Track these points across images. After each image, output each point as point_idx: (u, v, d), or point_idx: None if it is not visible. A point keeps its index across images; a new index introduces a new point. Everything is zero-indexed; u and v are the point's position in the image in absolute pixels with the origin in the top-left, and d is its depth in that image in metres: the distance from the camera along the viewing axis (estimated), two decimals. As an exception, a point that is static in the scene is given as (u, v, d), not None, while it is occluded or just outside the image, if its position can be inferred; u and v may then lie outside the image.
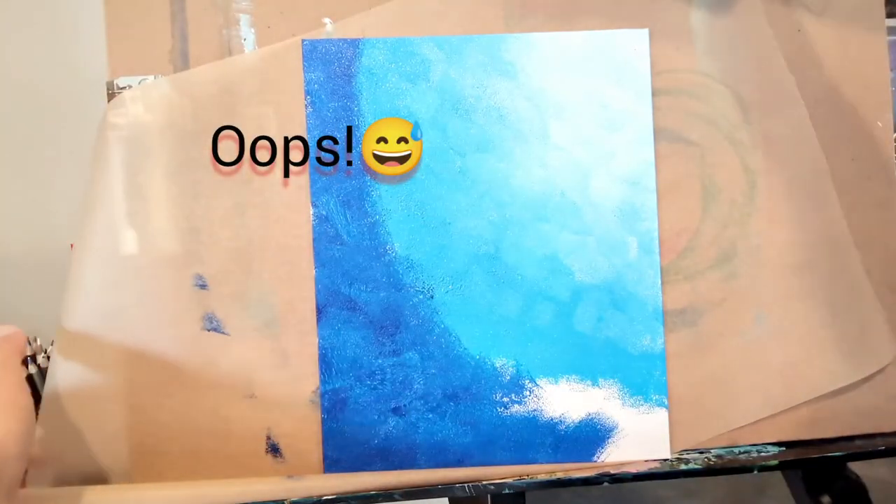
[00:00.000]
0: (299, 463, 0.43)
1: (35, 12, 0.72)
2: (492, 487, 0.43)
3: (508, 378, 0.44)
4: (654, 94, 0.44)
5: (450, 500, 0.58)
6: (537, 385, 0.44)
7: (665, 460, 0.44)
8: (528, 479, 0.43)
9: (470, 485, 0.43)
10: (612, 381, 0.44)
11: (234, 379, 0.43)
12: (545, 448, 0.44)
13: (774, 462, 0.44)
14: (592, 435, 0.44)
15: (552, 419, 0.44)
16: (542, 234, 0.44)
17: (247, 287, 0.43)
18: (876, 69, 0.45)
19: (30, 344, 0.42)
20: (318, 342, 0.43)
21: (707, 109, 0.45)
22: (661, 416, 0.44)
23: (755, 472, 0.44)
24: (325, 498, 0.42)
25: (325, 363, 0.43)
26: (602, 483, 0.44)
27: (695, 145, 0.45)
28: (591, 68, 0.44)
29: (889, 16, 0.46)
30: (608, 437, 0.44)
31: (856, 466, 0.48)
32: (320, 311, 0.43)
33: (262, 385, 0.43)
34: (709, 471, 0.44)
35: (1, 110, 0.72)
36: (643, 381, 0.44)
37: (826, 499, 0.47)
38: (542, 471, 0.44)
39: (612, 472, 0.44)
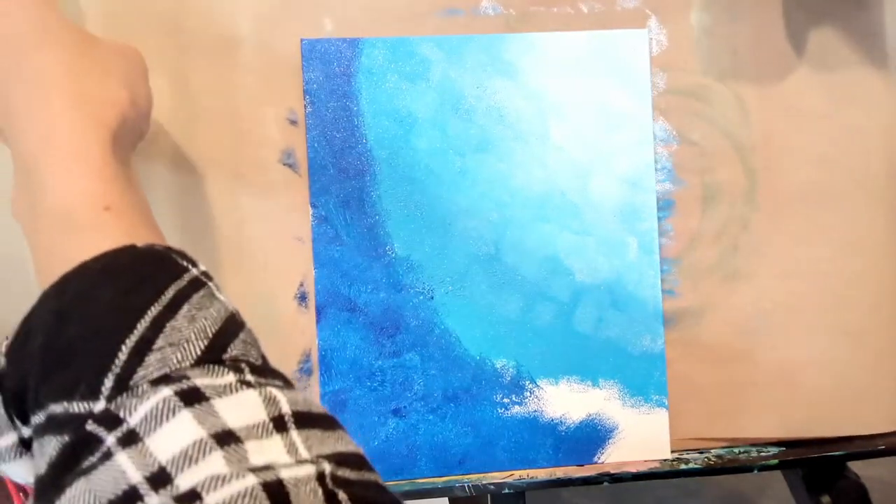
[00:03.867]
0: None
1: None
2: (492, 487, 0.43)
3: (509, 379, 0.44)
4: (654, 94, 0.44)
5: (450, 500, 0.58)
6: (538, 386, 0.44)
7: (665, 460, 0.44)
8: (528, 479, 0.43)
9: (470, 484, 0.43)
10: (612, 381, 0.44)
11: None
12: (546, 449, 0.44)
13: (774, 462, 0.44)
14: (593, 436, 0.44)
15: (552, 420, 0.44)
16: (542, 235, 0.44)
17: (246, 288, 0.43)
18: (876, 69, 0.45)
19: None
20: (318, 343, 0.43)
21: (707, 109, 0.45)
22: (661, 416, 0.44)
23: (755, 472, 0.44)
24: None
25: (325, 364, 0.43)
26: (602, 483, 0.44)
27: (695, 145, 0.45)
28: (592, 68, 0.44)
29: (889, 15, 0.46)
30: (608, 438, 0.44)
31: (856, 466, 0.48)
32: (320, 311, 0.43)
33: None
34: (709, 471, 0.44)
35: None
36: (643, 382, 0.44)
37: (826, 499, 0.47)
38: (542, 471, 0.44)
39: (612, 471, 0.44)
